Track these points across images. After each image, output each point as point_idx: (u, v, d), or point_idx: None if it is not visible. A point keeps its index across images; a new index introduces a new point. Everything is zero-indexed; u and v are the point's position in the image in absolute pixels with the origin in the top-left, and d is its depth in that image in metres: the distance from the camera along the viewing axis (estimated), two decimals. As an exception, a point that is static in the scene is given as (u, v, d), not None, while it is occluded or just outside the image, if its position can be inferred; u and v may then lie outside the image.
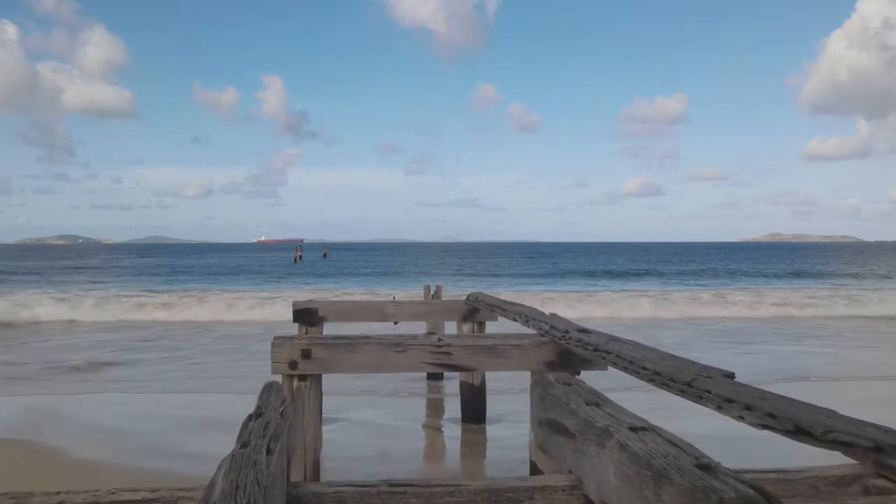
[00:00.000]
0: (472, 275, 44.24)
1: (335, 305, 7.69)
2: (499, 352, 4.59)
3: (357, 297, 26.93)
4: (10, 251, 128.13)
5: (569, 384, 2.21)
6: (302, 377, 4.55)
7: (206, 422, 7.72)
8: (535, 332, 5.03)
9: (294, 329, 7.77)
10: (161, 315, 18.99)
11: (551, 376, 2.41)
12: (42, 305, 20.42)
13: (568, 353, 4.52)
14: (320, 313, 7.53)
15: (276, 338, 4.62)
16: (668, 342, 13.84)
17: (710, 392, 2.66)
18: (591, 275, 41.67)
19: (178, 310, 19.46)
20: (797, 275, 42.33)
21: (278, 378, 4.60)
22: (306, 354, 4.51)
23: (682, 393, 2.88)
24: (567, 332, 4.33)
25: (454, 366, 4.61)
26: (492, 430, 7.34)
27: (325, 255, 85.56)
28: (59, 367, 11.47)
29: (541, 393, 2.33)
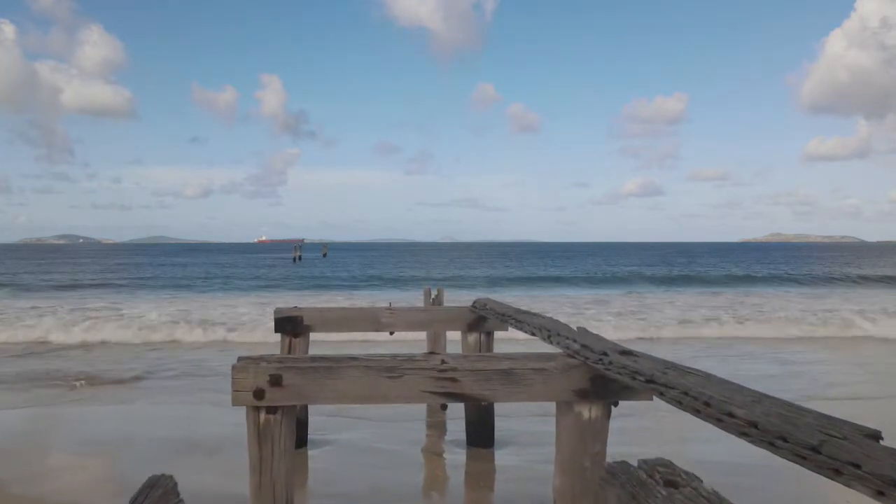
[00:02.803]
0: (474, 276, 43.24)
1: (323, 313, 6.75)
2: (517, 377, 3.67)
3: (354, 301, 26.03)
4: (9, 251, 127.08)
5: (675, 483, 1.30)
6: (271, 409, 3.63)
7: (180, 444, 6.80)
8: (559, 350, 4.12)
9: (277, 340, 6.84)
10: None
11: (640, 469, 1.48)
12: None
13: (603, 378, 3.61)
14: (306, 322, 6.60)
15: (239, 359, 3.70)
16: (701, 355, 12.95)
17: (858, 467, 1.75)
18: (600, 279, 40.16)
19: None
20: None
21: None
22: (276, 381, 3.59)
23: (801, 460, 1.97)
24: (605, 354, 3.42)
25: (461, 395, 3.69)
26: (501, 457, 6.42)
27: (324, 255, 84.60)
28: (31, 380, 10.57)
29: (622, 496, 1.41)
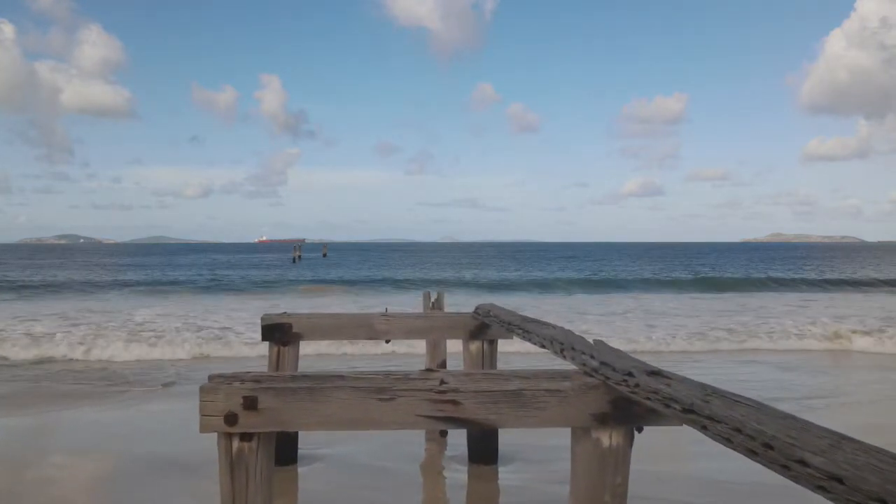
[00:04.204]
0: (475, 277, 42.73)
1: (313, 320, 6.27)
2: (527, 400, 3.20)
3: (355, 301, 25.59)
4: (9, 251, 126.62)
5: None
6: (245, 436, 3.17)
7: (163, 461, 6.33)
8: (573, 366, 3.65)
9: (264, 349, 6.39)
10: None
11: None
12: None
13: (625, 401, 3.15)
14: (295, 329, 6.12)
15: (210, 377, 3.24)
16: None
17: None
18: (604, 282, 38.94)
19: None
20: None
21: (211, 438, 3.25)
22: (251, 404, 3.13)
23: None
24: (630, 374, 2.95)
25: (463, 420, 3.23)
26: (505, 475, 5.95)
27: (324, 255, 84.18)
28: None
29: None
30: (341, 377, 3.27)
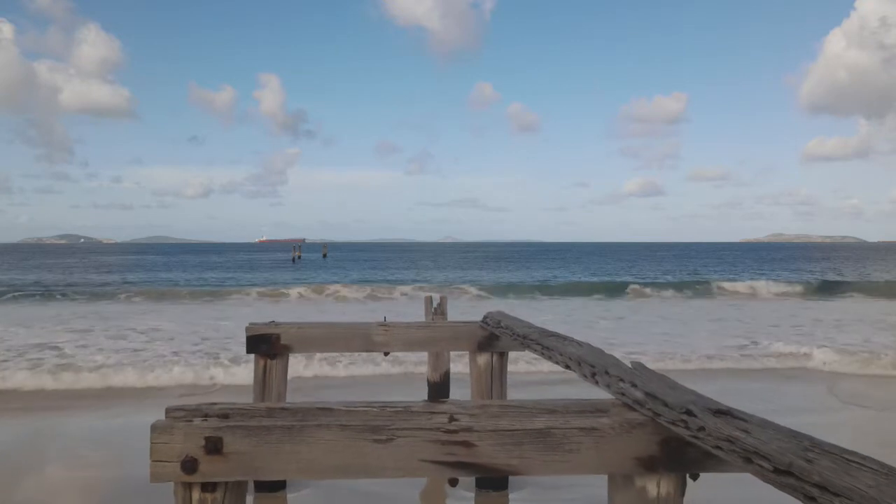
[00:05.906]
0: (477, 279, 41.92)
1: (304, 330, 5.65)
2: (556, 441, 2.60)
3: (360, 299, 24.96)
4: (10, 251, 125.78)
5: None
6: (208, 486, 2.56)
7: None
8: (608, 394, 3.05)
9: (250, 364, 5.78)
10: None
11: None
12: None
13: (678, 442, 2.55)
14: (283, 340, 5.52)
15: (168, 410, 2.64)
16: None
17: None
18: (610, 285, 37.03)
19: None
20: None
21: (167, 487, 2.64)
22: (214, 447, 2.52)
23: None
24: (690, 413, 2.34)
25: (478, 466, 2.62)
26: (517, 503, 5.34)
27: (324, 256, 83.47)
28: None
29: None
30: (328, 411, 2.67)
